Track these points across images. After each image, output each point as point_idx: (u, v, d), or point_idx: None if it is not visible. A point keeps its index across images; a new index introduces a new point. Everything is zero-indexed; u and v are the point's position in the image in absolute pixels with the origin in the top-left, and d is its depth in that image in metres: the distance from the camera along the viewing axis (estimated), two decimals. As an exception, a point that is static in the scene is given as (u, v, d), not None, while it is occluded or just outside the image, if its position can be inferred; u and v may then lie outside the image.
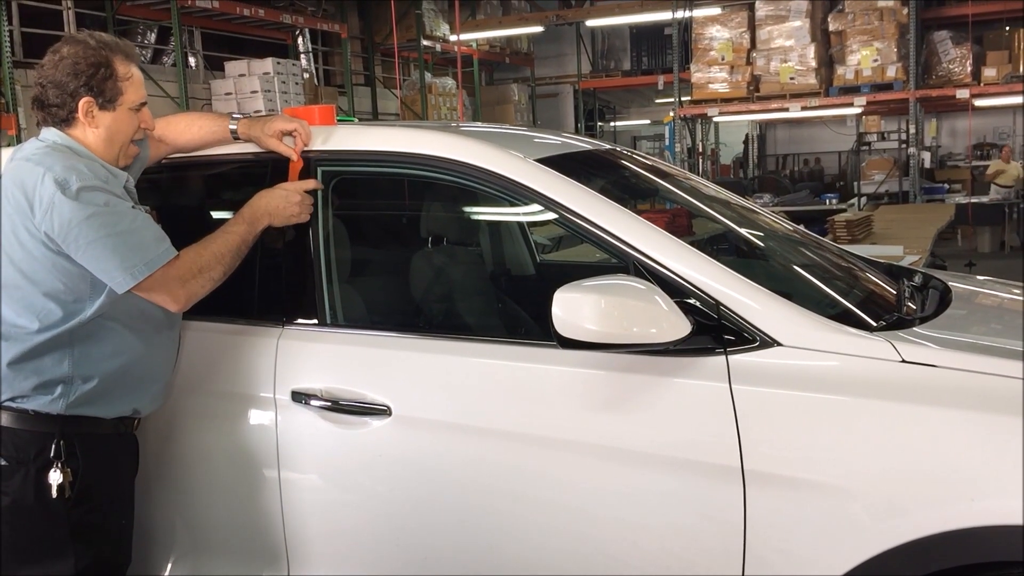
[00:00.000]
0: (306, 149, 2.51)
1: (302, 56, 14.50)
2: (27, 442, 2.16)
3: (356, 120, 3.12)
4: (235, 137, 2.56)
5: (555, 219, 2.32)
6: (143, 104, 2.33)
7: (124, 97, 2.27)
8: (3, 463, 2.16)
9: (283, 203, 2.39)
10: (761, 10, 12.67)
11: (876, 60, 12.33)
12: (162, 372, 2.38)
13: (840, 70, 12.60)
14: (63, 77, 2.22)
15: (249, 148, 2.57)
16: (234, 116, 2.58)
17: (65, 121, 2.25)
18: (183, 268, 2.20)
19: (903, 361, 1.97)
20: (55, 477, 2.14)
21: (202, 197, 2.92)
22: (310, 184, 2.46)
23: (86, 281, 2.16)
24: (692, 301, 2.09)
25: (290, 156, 2.49)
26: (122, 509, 2.33)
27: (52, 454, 2.15)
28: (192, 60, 13.36)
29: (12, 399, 2.17)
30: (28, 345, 2.15)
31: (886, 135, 16.06)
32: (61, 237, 2.10)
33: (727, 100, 13.11)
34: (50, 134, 2.26)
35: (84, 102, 2.23)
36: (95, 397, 2.21)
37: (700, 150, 15.43)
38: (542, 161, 2.40)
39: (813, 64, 12.43)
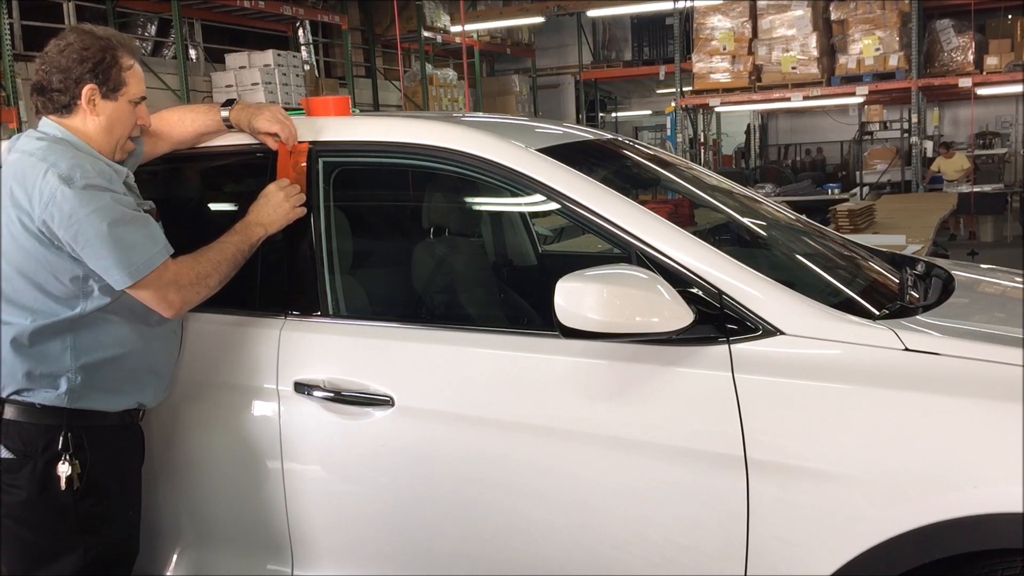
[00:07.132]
0: (308, 140, 2.51)
1: (303, 48, 14.49)
2: (35, 435, 2.17)
3: (357, 111, 3.11)
4: (228, 126, 2.54)
5: (557, 209, 2.31)
6: (142, 99, 2.34)
7: (127, 88, 2.28)
8: (11, 456, 2.17)
9: (271, 210, 2.39)
10: (763, -1, 12.63)
11: (878, 49, 12.28)
12: (164, 365, 2.38)
13: (842, 59, 12.56)
14: (69, 63, 2.21)
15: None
16: (223, 105, 2.56)
17: (66, 107, 2.24)
18: (180, 273, 2.21)
19: (906, 349, 1.97)
20: (63, 469, 2.15)
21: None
22: (285, 182, 2.44)
23: (79, 278, 2.15)
24: (695, 290, 2.09)
25: (274, 147, 2.50)
26: (130, 500, 2.34)
27: (60, 446, 2.16)
28: (193, 52, 13.34)
29: (18, 392, 2.17)
30: (26, 338, 2.15)
31: (888, 124, 16.02)
32: (63, 230, 2.09)
33: (729, 90, 13.07)
34: (48, 127, 2.25)
35: (88, 89, 2.22)
36: (98, 391, 2.21)
37: (702, 140, 15.40)
38: (544, 151, 2.39)
39: (815, 53, 12.38)
